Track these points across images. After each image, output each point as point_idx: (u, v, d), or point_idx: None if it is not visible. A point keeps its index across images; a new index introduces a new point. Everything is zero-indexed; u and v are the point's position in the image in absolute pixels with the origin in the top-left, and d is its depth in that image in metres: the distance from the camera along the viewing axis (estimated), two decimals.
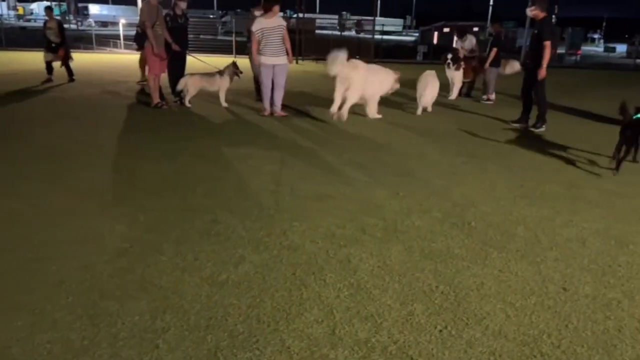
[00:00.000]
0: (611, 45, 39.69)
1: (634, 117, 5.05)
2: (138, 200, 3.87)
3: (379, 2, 24.39)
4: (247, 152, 5.43)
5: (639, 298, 2.66)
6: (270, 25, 7.06)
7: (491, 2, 48.03)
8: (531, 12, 6.90)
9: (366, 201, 4.02)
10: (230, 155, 5.30)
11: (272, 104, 7.50)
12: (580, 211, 3.95)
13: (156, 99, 7.83)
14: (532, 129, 7.16)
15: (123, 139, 5.93)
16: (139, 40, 7.72)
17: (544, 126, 7.13)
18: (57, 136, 5.93)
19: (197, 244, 3.16)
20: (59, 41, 10.32)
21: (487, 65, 9.44)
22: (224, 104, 8.16)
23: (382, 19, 46.46)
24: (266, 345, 2.19)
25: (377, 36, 21.24)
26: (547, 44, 6.59)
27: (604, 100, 10.54)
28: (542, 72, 6.69)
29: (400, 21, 65.77)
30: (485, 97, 9.71)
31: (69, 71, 10.66)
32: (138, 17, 7.48)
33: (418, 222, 3.63)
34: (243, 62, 9.22)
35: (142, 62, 9.73)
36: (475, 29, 26.88)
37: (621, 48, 36.72)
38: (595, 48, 47.33)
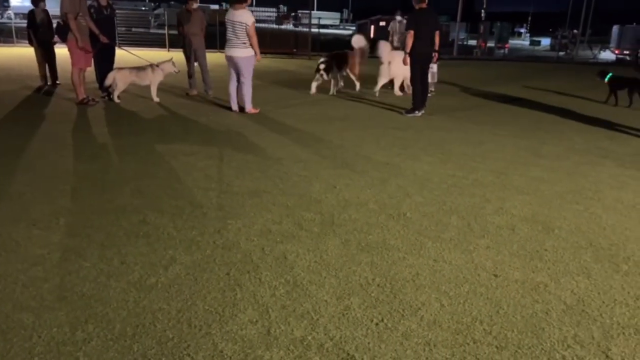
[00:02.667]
0: (536, 39, 41.86)
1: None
2: (59, 202, 3.62)
3: None
4: (180, 148, 5.23)
5: (564, 281, 2.77)
6: (231, 18, 6.89)
7: None
8: (416, 4, 7.35)
9: (303, 195, 3.97)
10: (161, 151, 5.09)
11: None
12: (509, 198, 4.09)
13: (81, 95, 7.41)
14: (408, 114, 7.72)
15: (44, 137, 5.55)
16: (62, 33, 7.19)
17: (417, 112, 7.68)
18: None
19: (124, 247, 2.98)
20: None
21: (435, 59, 9.53)
22: (156, 99, 7.85)
23: (319, 12, 46.58)
24: (197, 350, 2.09)
25: (314, 29, 21.22)
26: (410, 33, 7.28)
27: (527, 90, 11.06)
28: (405, 60, 7.45)
29: (337, 15, 66.17)
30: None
31: None
32: (59, 9, 6.94)
33: (355, 214, 3.62)
34: (178, 56, 8.94)
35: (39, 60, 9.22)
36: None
37: (545, 41, 38.79)
38: (522, 42, 49.70)
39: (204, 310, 2.37)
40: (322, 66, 9.01)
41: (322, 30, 24.66)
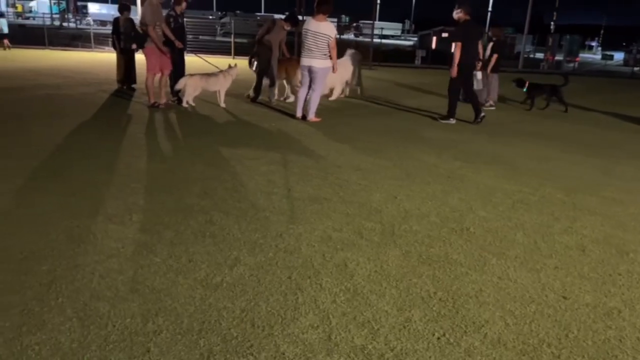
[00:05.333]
0: (609, 53, 39.93)
1: None
2: (132, 200, 3.81)
3: (378, 6, 24.34)
4: (244, 152, 5.38)
5: (639, 307, 2.62)
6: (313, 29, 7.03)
7: (490, 8, 48.19)
8: (456, 14, 7.43)
9: (363, 204, 3.98)
10: (226, 155, 5.25)
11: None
12: (580, 218, 3.92)
13: (153, 99, 7.77)
14: (442, 120, 7.92)
15: (118, 137, 5.86)
16: (140, 40, 7.56)
17: (451, 119, 7.85)
18: (49, 134, 5.85)
19: (192, 245, 3.10)
20: None
21: (488, 70, 9.40)
22: (222, 105, 8.12)
23: (381, 22, 46.52)
24: (260, 350, 2.13)
25: (376, 40, 21.22)
26: (457, 45, 7.37)
27: (599, 104, 10.58)
28: (453, 72, 7.49)
29: (399, 25, 65.88)
30: (488, 103, 9.67)
31: None
32: (139, 17, 7.34)
33: (416, 226, 3.58)
34: (242, 63, 9.21)
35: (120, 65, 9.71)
36: None
37: (619, 56, 36.91)
38: (593, 56, 47.54)
39: (266, 312, 2.42)
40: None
41: (384, 41, 24.62)
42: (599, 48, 56.40)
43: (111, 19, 10.83)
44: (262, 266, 2.88)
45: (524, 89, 9.71)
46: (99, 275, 2.66)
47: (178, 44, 7.73)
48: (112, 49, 10.24)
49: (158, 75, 7.70)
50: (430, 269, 2.94)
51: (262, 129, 6.74)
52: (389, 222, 3.64)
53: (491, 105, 9.65)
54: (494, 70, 9.45)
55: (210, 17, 42.51)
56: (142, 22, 7.31)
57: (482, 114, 7.95)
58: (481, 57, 8.43)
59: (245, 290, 2.61)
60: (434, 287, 2.73)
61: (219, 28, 33.79)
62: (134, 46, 7.46)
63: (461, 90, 7.89)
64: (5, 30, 18.58)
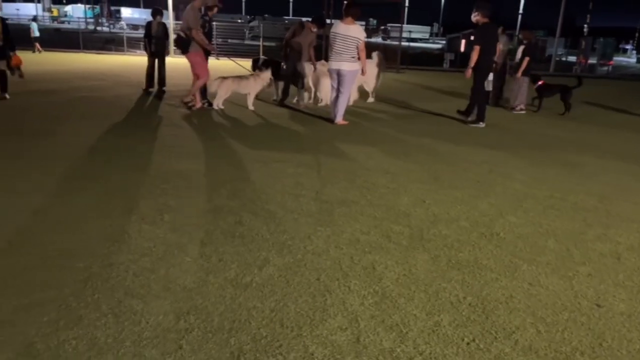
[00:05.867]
0: None
1: None
2: (163, 200, 3.89)
3: (406, 9, 24.26)
4: (271, 154, 5.43)
5: None
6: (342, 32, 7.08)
7: (520, 11, 47.44)
8: (474, 17, 7.49)
9: (391, 208, 3.97)
10: (254, 157, 5.31)
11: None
12: (614, 225, 3.82)
13: (199, 103, 7.89)
14: (469, 124, 7.94)
15: (149, 139, 5.99)
16: (183, 45, 7.60)
17: (480, 123, 7.84)
18: (85, 135, 6.02)
19: (221, 245, 3.15)
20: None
21: (519, 74, 9.25)
22: (251, 107, 8.21)
23: (410, 26, 46.28)
24: (289, 350, 2.15)
25: (404, 43, 21.12)
26: (476, 48, 7.44)
27: (634, 108, 10.30)
28: (467, 73, 7.60)
29: (427, 28, 65.37)
30: (518, 107, 9.52)
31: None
32: (183, 22, 7.40)
33: (445, 231, 3.56)
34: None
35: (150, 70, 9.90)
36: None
37: None
38: (628, 59, 46.30)
39: (295, 312, 2.44)
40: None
41: (412, 44, 24.49)
42: (634, 51, 54.89)
43: (143, 23, 11.07)
44: (291, 267, 2.90)
45: (535, 87, 9.48)
46: (132, 274, 2.73)
47: (212, 48, 7.88)
48: (144, 52, 10.46)
49: (194, 79, 7.83)
50: (459, 273, 2.92)
51: (289, 132, 6.79)
52: (417, 225, 3.62)
53: (521, 110, 9.50)
54: (524, 73, 9.30)
55: (239, 20, 42.99)
56: (186, 27, 7.39)
57: (481, 123, 7.85)
58: (496, 59, 8.51)
59: (274, 291, 2.63)
60: (463, 292, 2.71)
61: (247, 31, 34.14)
62: (175, 51, 7.55)
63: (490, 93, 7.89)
64: (37, 34, 19.16)
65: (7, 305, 2.36)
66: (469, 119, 8.14)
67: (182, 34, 7.47)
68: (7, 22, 8.01)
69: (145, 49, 10.08)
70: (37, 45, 19.05)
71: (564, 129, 8.12)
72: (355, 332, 2.31)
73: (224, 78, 8.01)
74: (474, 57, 7.44)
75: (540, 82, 9.43)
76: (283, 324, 2.34)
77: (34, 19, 20.94)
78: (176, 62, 14.55)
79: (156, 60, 9.89)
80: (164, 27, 9.86)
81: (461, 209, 4.01)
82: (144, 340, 2.17)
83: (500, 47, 9.07)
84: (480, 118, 7.87)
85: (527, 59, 9.17)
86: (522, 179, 4.99)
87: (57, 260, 2.83)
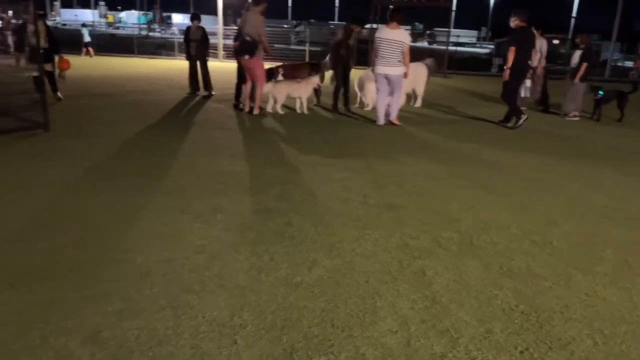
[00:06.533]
0: None
1: None
2: (215, 200, 4.00)
3: (453, 13, 23.91)
4: (319, 158, 5.48)
5: None
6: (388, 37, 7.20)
7: (574, 14, 45.87)
8: (512, 22, 7.65)
9: (440, 213, 3.94)
10: (302, 160, 5.38)
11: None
12: None
13: (257, 108, 8.08)
14: (505, 125, 8.06)
15: (201, 141, 6.17)
16: (250, 50, 7.60)
17: (522, 116, 7.85)
18: (139, 136, 6.27)
19: (272, 245, 3.21)
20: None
21: (577, 80, 8.93)
22: (305, 111, 8.33)
23: (457, 30, 45.57)
24: (341, 350, 2.19)
25: (451, 47, 20.84)
26: (511, 50, 7.50)
27: None
28: (505, 74, 7.68)
29: (475, 33, 64.15)
30: (572, 113, 9.22)
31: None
32: (249, 27, 7.52)
33: (495, 237, 3.50)
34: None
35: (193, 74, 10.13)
36: (556, 41, 25.79)
37: None
38: None
39: (345, 314, 2.47)
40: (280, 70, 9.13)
41: (459, 49, 24.12)
42: None
43: None
44: (340, 269, 2.94)
45: (595, 98, 9.11)
46: (188, 270, 2.83)
47: (272, 54, 8.09)
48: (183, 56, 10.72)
49: (248, 84, 8.01)
50: (511, 281, 2.87)
51: (336, 136, 6.84)
52: (467, 232, 3.58)
53: (575, 116, 9.19)
54: (582, 79, 8.96)
55: (285, 26, 43.54)
56: (255, 32, 7.51)
57: (509, 124, 7.98)
58: (533, 64, 8.61)
59: (324, 292, 2.67)
60: (515, 300, 2.67)
61: (293, 36, 34.52)
62: (246, 57, 7.60)
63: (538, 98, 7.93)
64: (88, 39, 19.99)
65: (75, 295, 2.50)
66: (509, 124, 8.05)
67: (248, 39, 7.57)
68: (64, 26, 8.42)
69: (186, 53, 10.36)
70: (90, 49, 19.87)
71: (619, 136, 7.81)
72: (405, 335, 2.32)
73: (278, 82, 8.17)
74: (510, 58, 7.56)
75: (598, 96, 9.08)
76: (334, 324, 2.38)
77: (84, 25, 21.89)
78: (223, 67, 14.90)
79: (198, 64, 10.14)
80: (203, 31, 10.11)
81: (511, 216, 3.94)
82: (201, 333, 2.25)
83: (538, 51, 9.07)
84: (518, 114, 7.89)
85: (585, 64, 8.83)
86: (574, 187, 4.84)
87: (118, 255, 2.97)
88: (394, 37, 7.14)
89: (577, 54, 9.06)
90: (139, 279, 2.69)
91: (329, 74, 9.34)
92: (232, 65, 9.57)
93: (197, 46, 10.02)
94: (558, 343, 2.30)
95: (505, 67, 7.72)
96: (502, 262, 3.11)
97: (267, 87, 8.07)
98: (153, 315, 2.36)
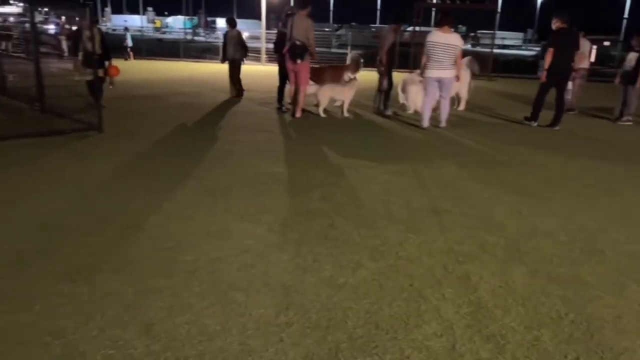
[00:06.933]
0: None
1: None
2: (260, 201, 4.08)
3: (498, 15, 23.40)
4: (361, 161, 5.50)
5: None
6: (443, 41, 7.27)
7: (625, 15, 44.05)
8: (554, 24, 7.73)
9: (485, 218, 3.89)
10: (344, 163, 5.41)
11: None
12: None
13: (299, 110, 8.18)
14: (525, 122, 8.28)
15: (245, 142, 6.28)
16: (300, 54, 7.66)
17: (533, 123, 8.14)
18: (185, 138, 6.45)
19: (315, 247, 3.25)
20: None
21: (638, 85, 8.56)
22: (346, 115, 8.36)
23: (502, 32, 44.58)
24: (385, 352, 2.20)
25: (496, 50, 20.43)
26: (549, 51, 7.62)
27: None
28: (542, 76, 7.82)
29: (520, 35, 62.54)
30: (625, 118, 8.88)
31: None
32: (298, 30, 7.63)
33: (542, 244, 3.43)
34: (358, 74, 9.40)
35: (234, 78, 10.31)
36: (606, 43, 24.86)
37: None
38: None
39: (389, 316, 2.48)
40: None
41: (504, 51, 23.59)
42: None
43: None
44: (384, 272, 2.95)
45: None
46: (235, 268, 2.91)
47: (315, 57, 8.23)
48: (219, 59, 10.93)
49: (293, 86, 8.13)
50: (559, 289, 2.81)
51: (379, 139, 6.84)
52: (513, 237, 3.52)
53: (628, 121, 8.84)
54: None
55: (326, 29, 43.72)
56: (305, 36, 7.60)
57: (557, 127, 7.95)
58: (575, 66, 8.47)
59: (368, 293, 2.69)
60: (564, 308, 2.61)
61: (334, 40, 34.64)
62: (298, 61, 7.68)
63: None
64: (130, 43, 20.64)
65: (129, 289, 2.61)
66: (557, 127, 7.94)
67: (298, 43, 7.67)
68: (114, 31, 8.73)
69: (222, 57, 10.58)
70: (131, 53, 20.51)
71: None
72: (450, 339, 2.31)
73: (322, 85, 8.26)
74: (548, 59, 7.62)
75: None
76: (378, 326, 2.39)
77: (126, 29, 22.63)
78: (265, 70, 15.11)
79: (233, 68, 10.33)
80: (238, 35, 10.30)
81: (560, 223, 3.84)
82: (249, 330, 2.31)
83: (582, 52, 8.97)
84: (534, 118, 8.10)
85: None
86: (628, 194, 4.67)
87: (168, 252, 3.08)
88: (448, 40, 7.23)
89: (633, 57, 8.70)
90: (187, 276, 2.78)
91: (365, 75, 9.34)
92: (274, 68, 9.71)
93: (231, 50, 10.24)
94: (610, 353, 2.24)
95: (543, 69, 7.75)
96: (550, 269, 3.04)
97: (310, 90, 8.15)
98: (202, 311, 2.44)
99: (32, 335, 2.22)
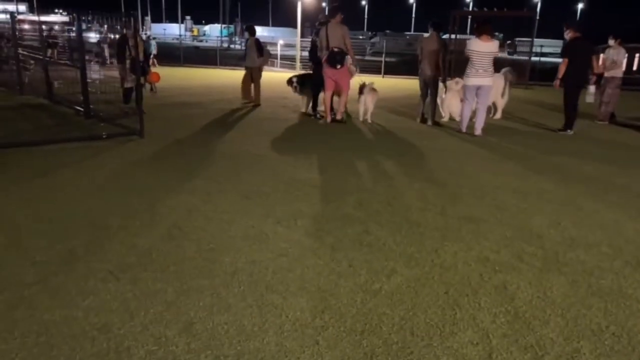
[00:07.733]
0: None
1: None
2: (296, 206, 4.14)
3: (536, 22, 22.94)
4: (395, 168, 5.50)
5: None
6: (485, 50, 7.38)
7: None
8: (566, 34, 8.04)
9: (523, 228, 3.83)
10: (378, 169, 5.42)
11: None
12: None
13: (340, 114, 8.38)
14: (560, 132, 8.21)
15: (281, 148, 6.38)
16: (342, 59, 7.83)
17: (568, 131, 8.15)
18: (223, 143, 6.59)
19: (350, 252, 3.28)
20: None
21: None
22: (369, 120, 8.49)
23: (540, 39, 43.68)
24: (420, 358, 2.21)
25: (534, 58, 20.04)
26: (564, 61, 7.92)
27: None
28: (556, 84, 8.14)
29: (559, 42, 61.14)
30: None
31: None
32: (337, 37, 7.72)
33: (583, 256, 3.36)
34: (392, 82, 9.40)
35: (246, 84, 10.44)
36: None
37: None
38: None
39: (425, 323, 2.49)
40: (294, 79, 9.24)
41: (542, 59, 23.12)
42: None
43: (271, 41, 11.79)
44: (419, 279, 2.95)
45: None
46: (272, 271, 2.96)
47: (355, 62, 8.38)
48: (272, 68, 11.14)
49: (329, 93, 8.23)
50: (601, 301, 2.75)
51: (414, 146, 6.81)
52: (551, 248, 3.46)
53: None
54: None
55: (361, 37, 43.85)
56: (343, 43, 7.76)
57: (569, 131, 8.12)
58: (594, 71, 8.77)
59: (403, 300, 2.70)
60: (605, 320, 2.55)
61: (368, 47, 34.70)
62: (338, 66, 7.79)
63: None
64: (154, 51, 21.16)
65: (171, 289, 2.70)
66: (571, 132, 8.16)
67: (336, 49, 7.75)
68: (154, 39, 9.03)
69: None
70: (155, 60, 21.02)
71: None
72: (487, 348, 2.29)
73: (369, 91, 8.45)
74: (562, 69, 7.90)
75: None
76: (413, 333, 2.40)
77: (149, 37, 23.17)
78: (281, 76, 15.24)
79: (250, 74, 10.52)
80: (256, 42, 10.47)
81: (602, 234, 3.75)
82: (285, 332, 2.36)
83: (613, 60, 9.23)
84: (569, 126, 8.16)
85: None
86: None
87: (208, 254, 3.16)
88: (489, 49, 7.37)
89: None
90: (227, 277, 2.86)
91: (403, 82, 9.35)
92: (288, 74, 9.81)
93: (248, 56, 10.41)
94: None
95: (557, 77, 8.04)
96: (590, 281, 2.98)
97: (362, 97, 8.43)
98: (240, 312, 2.50)
99: (81, 329, 2.32)
